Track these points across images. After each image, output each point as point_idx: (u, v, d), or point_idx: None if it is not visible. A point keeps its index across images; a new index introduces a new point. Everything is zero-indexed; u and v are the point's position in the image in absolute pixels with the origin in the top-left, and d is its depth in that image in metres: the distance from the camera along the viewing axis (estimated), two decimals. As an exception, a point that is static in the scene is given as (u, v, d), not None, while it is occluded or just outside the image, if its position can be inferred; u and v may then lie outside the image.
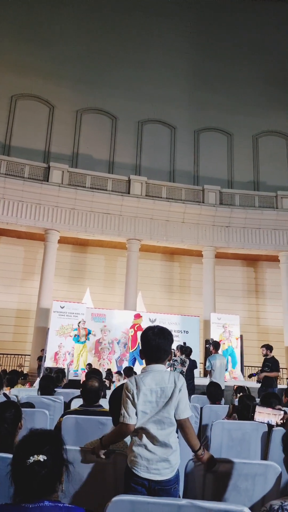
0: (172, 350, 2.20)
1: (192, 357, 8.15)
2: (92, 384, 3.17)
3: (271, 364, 6.84)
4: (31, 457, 1.30)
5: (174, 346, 9.63)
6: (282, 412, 2.96)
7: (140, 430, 1.94)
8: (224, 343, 11.94)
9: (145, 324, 11.57)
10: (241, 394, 4.13)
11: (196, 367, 8.14)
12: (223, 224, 14.68)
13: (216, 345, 7.91)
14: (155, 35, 17.91)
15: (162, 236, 14.27)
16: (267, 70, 18.11)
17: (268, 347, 7.14)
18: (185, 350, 7.47)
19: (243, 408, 3.68)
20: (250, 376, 7.36)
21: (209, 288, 14.29)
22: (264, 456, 3.26)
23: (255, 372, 7.26)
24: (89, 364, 10.07)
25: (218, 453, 3.30)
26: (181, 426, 1.95)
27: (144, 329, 2.18)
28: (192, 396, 5.92)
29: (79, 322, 11.22)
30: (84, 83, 16.68)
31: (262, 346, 7.20)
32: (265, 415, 3.26)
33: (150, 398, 1.95)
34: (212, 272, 14.48)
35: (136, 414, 1.93)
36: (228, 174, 17.01)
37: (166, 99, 17.24)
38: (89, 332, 11.27)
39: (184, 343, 8.84)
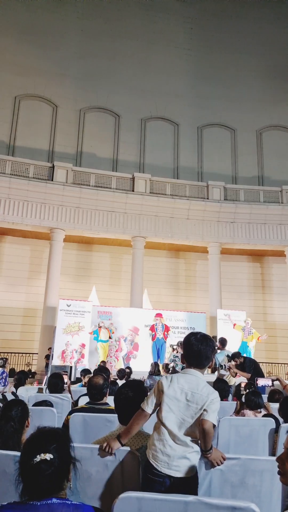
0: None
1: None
2: (97, 381, 3.19)
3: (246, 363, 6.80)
4: (38, 456, 1.31)
5: (174, 342, 9.65)
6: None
7: (163, 426, 1.98)
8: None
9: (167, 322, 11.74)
10: (247, 391, 4.12)
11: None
12: (228, 220, 14.62)
13: (223, 341, 7.92)
14: (157, 31, 17.82)
15: (167, 233, 14.25)
16: (270, 64, 17.92)
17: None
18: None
19: (247, 402, 3.71)
20: (222, 367, 7.37)
21: (215, 284, 14.25)
22: (273, 452, 3.26)
23: (224, 364, 7.24)
24: (103, 362, 10.13)
25: (226, 449, 3.30)
26: (203, 427, 1.94)
27: (187, 334, 2.26)
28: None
29: (100, 323, 11.39)
30: (86, 81, 16.66)
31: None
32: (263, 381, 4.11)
33: (179, 397, 2.00)
34: (218, 268, 14.44)
35: (160, 405, 2.01)
36: (232, 170, 16.91)
37: (168, 95, 17.17)
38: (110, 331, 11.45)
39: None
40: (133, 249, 14.20)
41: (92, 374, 4.90)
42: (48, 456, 1.31)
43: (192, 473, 1.94)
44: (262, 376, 6.87)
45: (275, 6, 18.45)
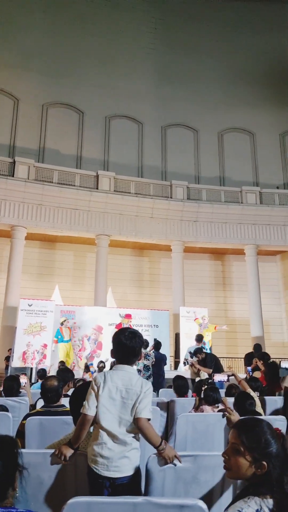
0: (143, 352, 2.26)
1: (161, 351, 8.28)
2: (51, 383, 3.13)
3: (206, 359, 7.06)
4: None
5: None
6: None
7: (101, 428, 1.97)
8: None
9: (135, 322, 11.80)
10: (205, 387, 4.23)
11: (165, 361, 8.26)
12: (191, 218, 14.88)
13: (199, 338, 8.15)
14: (122, 30, 17.72)
15: (131, 232, 14.27)
16: (232, 67, 18.39)
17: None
18: (148, 345, 7.66)
19: (206, 398, 3.82)
20: (185, 363, 7.64)
21: (178, 282, 14.47)
22: (227, 446, 3.36)
23: (186, 360, 7.51)
24: (61, 362, 9.96)
25: (183, 445, 3.37)
26: (139, 425, 1.98)
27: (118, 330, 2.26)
28: (161, 390, 6.01)
29: (63, 321, 11.15)
30: (49, 76, 16.26)
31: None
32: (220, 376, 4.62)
33: (114, 396, 2.01)
34: (181, 266, 14.67)
35: (97, 407, 2.00)
36: (195, 170, 17.22)
37: (133, 94, 17.16)
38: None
39: (155, 339, 8.94)
40: (97, 247, 14.09)
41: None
42: None
43: (133, 471, 1.96)
44: (222, 371, 7.09)
45: (238, 10, 18.93)
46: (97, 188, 14.12)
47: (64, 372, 4.58)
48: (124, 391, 2.02)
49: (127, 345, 2.13)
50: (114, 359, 2.23)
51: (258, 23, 18.67)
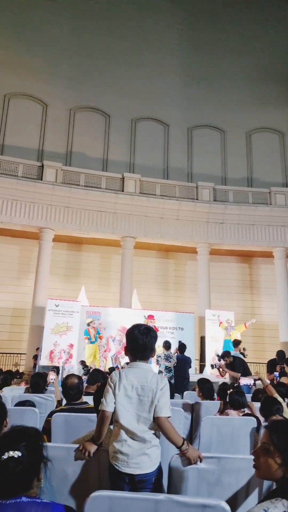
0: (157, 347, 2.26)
1: (186, 354, 8.22)
2: (72, 381, 3.20)
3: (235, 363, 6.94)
4: (6, 453, 1.30)
5: (161, 342, 9.79)
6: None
7: (120, 425, 1.99)
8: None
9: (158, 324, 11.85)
10: (231, 390, 4.16)
11: (189, 364, 8.19)
12: (217, 220, 14.71)
13: (237, 343, 8.08)
14: (148, 32, 17.84)
15: (157, 234, 14.28)
16: (260, 66, 18.08)
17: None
18: (170, 346, 7.67)
19: (231, 402, 3.75)
20: (212, 366, 7.55)
21: (204, 285, 14.32)
22: (253, 451, 3.29)
23: (214, 363, 7.42)
24: (82, 361, 10.09)
25: (208, 448, 3.33)
26: (159, 425, 1.98)
27: (132, 326, 2.24)
28: (185, 392, 5.96)
29: (90, 322, 11.34)
30: (77, 81, 16.60)
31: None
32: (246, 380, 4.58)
33: (130, 394, 2.02)
34: (207, 268, 14.52)
35: (115, 403, 2.01)
36: (222, 171, 17.02)
37: (159, 96, 17.21)
38: (97, 332, 11.38)
39: (180, 341, 8.90)
40: (122, 249, 14.19)
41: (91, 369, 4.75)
42: (16, 454, 1.31)
43: (153, 468, 1.95)
44: (250, 375, 6.96)
45: (266, 8, 18.62)
46: (122, 190, 14.24)
47: (96, 372, 4.63)
48: (140, 388, 2.02)
49: (142, 340, 2.12)
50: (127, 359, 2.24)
51: (286, 20, 18.28)
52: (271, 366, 7.75)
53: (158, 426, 1.99)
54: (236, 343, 8.25)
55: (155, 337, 2.18)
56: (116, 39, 17.36)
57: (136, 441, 1.95)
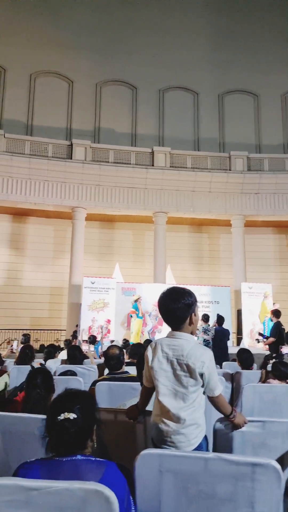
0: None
1: (224, 326, 8.19)
2: (113, 352, 3.29)
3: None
4: (62, 414, 1.35)
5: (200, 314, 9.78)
6: None
7: (157, 400, 1.86)
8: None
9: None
10: (273, 360, 4.10)
11: (228, 336, 8.17)
12: (252, 191, 14.21)
13: (276, 313, 7.90)
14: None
15: (189, 208, 14.05)
16: (294, 21, 16.78)
17: (274, 313, 7.14)
18: (208, 319, 7.60)
19: (274, 371, 3.69)
20: (257, 341, 7.43)
21: (239, 258, 14.05)
22: (297, 418, 3.25)
23: (258, 338, 7.29)
24: (125, 340, 10.30)
25: (250, 415, 3.32)
26: (213, 402, 1.91)
27: None
28: (224, 363, 5.97)
29: (137, 299, 11.57)
30: (101, 53, 16.20)
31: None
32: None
33: (165, 367, 1.83)
34: (242, 241, 14.19)
35: (152, 377, 1.87)
36: (255, 138, 16.26)
37: (186, 63, 16.49)
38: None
39: (218, 314, 8.85)
40: (155, 225, 14.13)
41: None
42: (72, 416, 1.36)
43: (191, 447, 1.77)
44: (284, 341, 6.84)
45: None
46: (152, 165, 14.02)
47: (137, 346, 4.75)
48: (176, 362, 1.80)
49: (166, 306, 1.88)
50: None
51: None
52: None
53: (211, 403, 1.90)
54: (277, 313, 7.98)
55: (187, 304, 1.86)
56: (138, 6, 16.67)
57: (171, 418, 1.78)
